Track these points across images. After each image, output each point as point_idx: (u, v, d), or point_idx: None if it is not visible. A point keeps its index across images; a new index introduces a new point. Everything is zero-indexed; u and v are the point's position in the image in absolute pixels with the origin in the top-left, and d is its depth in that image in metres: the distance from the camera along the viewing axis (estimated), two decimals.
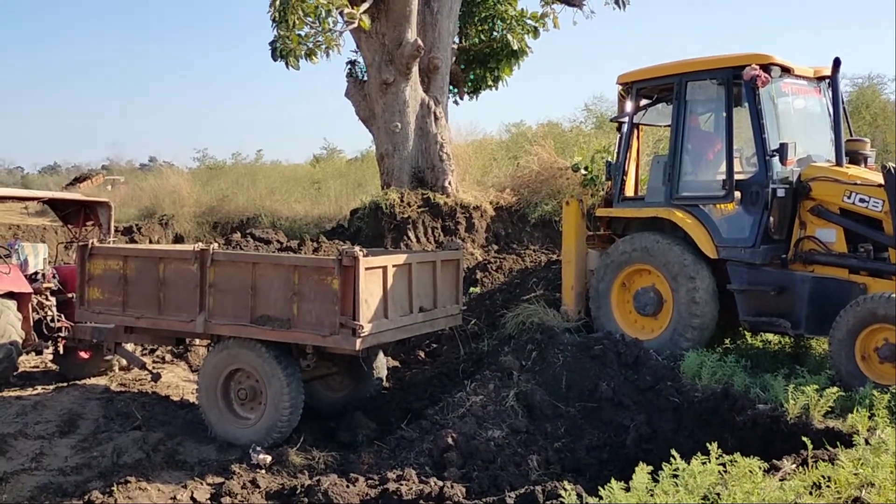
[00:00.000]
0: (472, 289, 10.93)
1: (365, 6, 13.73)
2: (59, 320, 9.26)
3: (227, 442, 7.16)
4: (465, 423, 6.63)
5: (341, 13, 13.29)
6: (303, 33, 13.20)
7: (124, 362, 9.65)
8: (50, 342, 9.33)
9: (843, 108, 8.23)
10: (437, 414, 7.01)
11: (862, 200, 7.38)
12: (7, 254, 9.50)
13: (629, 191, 9.03)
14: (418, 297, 7.60)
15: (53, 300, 9.39)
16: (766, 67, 7.64)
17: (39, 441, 7.12)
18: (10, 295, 8.74)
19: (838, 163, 7.84)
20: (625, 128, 9.06)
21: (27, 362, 10.12)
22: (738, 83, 7.82)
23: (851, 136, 8.70)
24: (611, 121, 12.06)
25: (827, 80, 8.30)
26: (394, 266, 7.24)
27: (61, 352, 9.43)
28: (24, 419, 7.58)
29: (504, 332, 9.14)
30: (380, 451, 6.68)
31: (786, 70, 7.94)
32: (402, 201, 14.04)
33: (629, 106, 8.89)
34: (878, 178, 7.36)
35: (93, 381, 9.48)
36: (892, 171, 7.14)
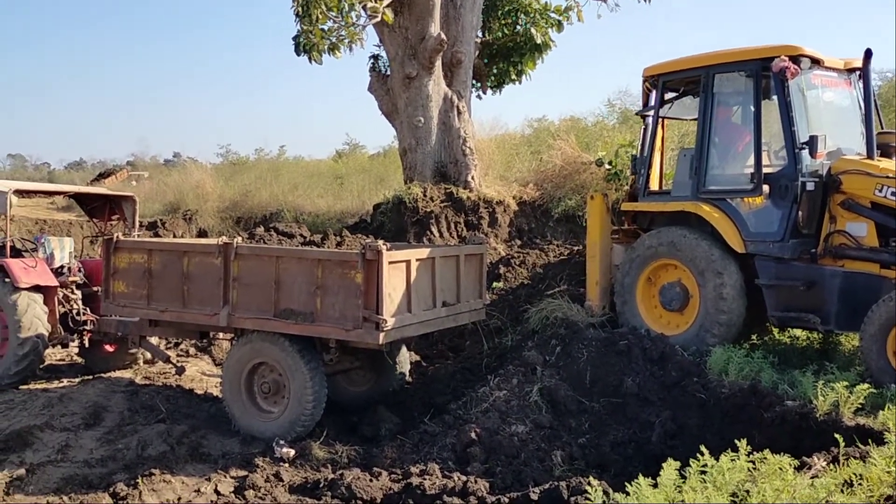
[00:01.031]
0: (495, 283, 10.88)
1: (388, 0, 13.70)
2: (84, 314, 9.33)
3: (250, 435, 7.18)
4: (488, 417, 6.59)
5: (364, 7, 13.26)
6: (326, 28, 13.21)
7: (149, 355, 9.72)
8: (76, 335, 9.40)
9: (874, 100, 8.07)
10: (460, 409, 6.98)
11: (894, 194, 7.24)
12: (34, 248, 9.59)
13: (654, 185, 8.94)
14: (441, 291, 7.57)
15: (79, 294, 9.46)
16: (795, 59, 7.51)
17: (65, 433, 7.18)
18: (36, 288, 8.82)
19: (869, 156, 7.69)
20: (650, 121, 8.97)
21: (53, 355, 10.21)
22: (767, 75, 7.69)
23: (882, 128, 8.54)
24: (636, 114, 11.93)
25: (858, 72, 8.15)
26: (417, 260, 7.22)
27: (87, 345, 9.51)
28: (51, 411, 7.65)
29: (528, 327, 9.09)
30: (403, 446, 6.66)
31: (815, 62, 7.80)
32: (424, 196, 14.00)
33: (654, 99, 8.79)
34: None
35: (118, 374, 9.55)
36: None
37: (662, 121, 9.04)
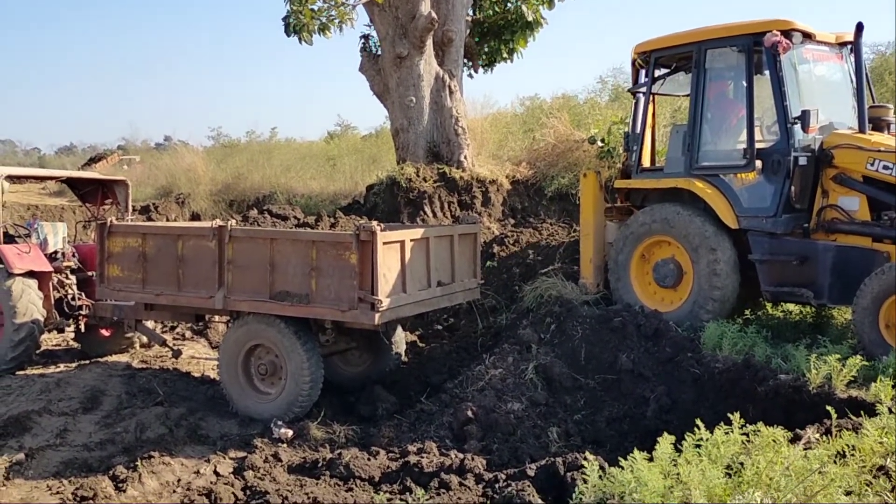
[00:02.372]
0: (489, 262, 10.90)
1: None
2: (79, 298, 9.33)
3: (248, 417, 7.22)
4: (484, 396, 6.64)
5: None
6: (316, 7, 13.13)
7: (145, 339, 9.73)
8: (71, 320, 9.41)
9: (866, 75, 8.09)
10: (456, 387, 7.02)
11: (886, 168, 7.27)
12: (27, 233, 9.56)
13: (646, 161, 8.95)
14: (436, 271, 7.59)
15: (74, 278, 9.45)
16: (787, 34, 7.50)
17: (63, 417, 7.19)
18: (30, 274, 8.80)
19: (861, 130, 7.71)
20: (641, 98, 8.96)
21: (49, 340, 10.22)
22: (759, 50, 7.69)
23: (874, 102, 8.56)
24: (628, 91, 11.92)
25: (849, 46, 8.16)
26: (411, 240, 7.23)
27: (83, 329, 9.51)
28: (48, 396, 7.66)
29: (522, 306, 9.12)
30: (400, 425, 6.71)
31: (807, 36, 7.79)
32: (417, 176, 13.98)
33: (644, 76, 8.78)
34: None
35: (114, 358, 9.57)
36: None
37: (653, 97, 9.03)
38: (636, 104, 9.12)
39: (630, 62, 9.08)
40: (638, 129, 8.93)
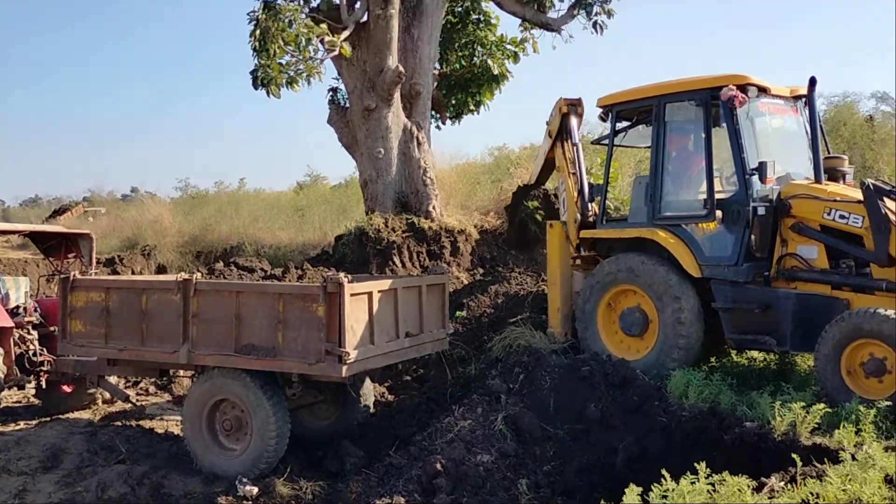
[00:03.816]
0: (458, 313, 10.92)
1: (346, 34, 13.83)
2: (41, 354, 9.16)
3: (212, 474, 7.08)
4: (453, 448, 6.58)
5: (322, 41, 13.38)
6: (284, 62, 13.28)
7: (108, 395, 9.55)
8: (32, 376, 9.22)
9: (820, 126, 8.32)
10: (425, 440, 6.96)
11: (842, 217, 7.44)
12: None
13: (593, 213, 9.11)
14: (404, 322, 7.58)
15: (35, 334, 9.29)
16: (742, 88, 7.73)
17: (23, 477, 7.01)
18: None
19: (817, 180, 7.91)
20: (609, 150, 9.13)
21: (9, 397, 9.99)
22: (716, 104, 7.90)
23: (829, 153, 8.80)
24: (592, 143, 12.14)
25: (803, 99, 8.41)
26: (379, 291, 7.23)
27: (44, 386, 9.33)
28: (7, 455, 7.47)
29: (491, 356, 9.13)
30: (368, 479, 6.62)
31: (762, 90, 8.04)
32: (386, 226, 14.04)
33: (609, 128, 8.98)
34: (857, 194, 7.43)
35: (76, 414, 9.38)
36: (871, 187, 7.22)
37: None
38: (608, 156, 9.28)
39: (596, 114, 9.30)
40: (605, 180, 9.10)
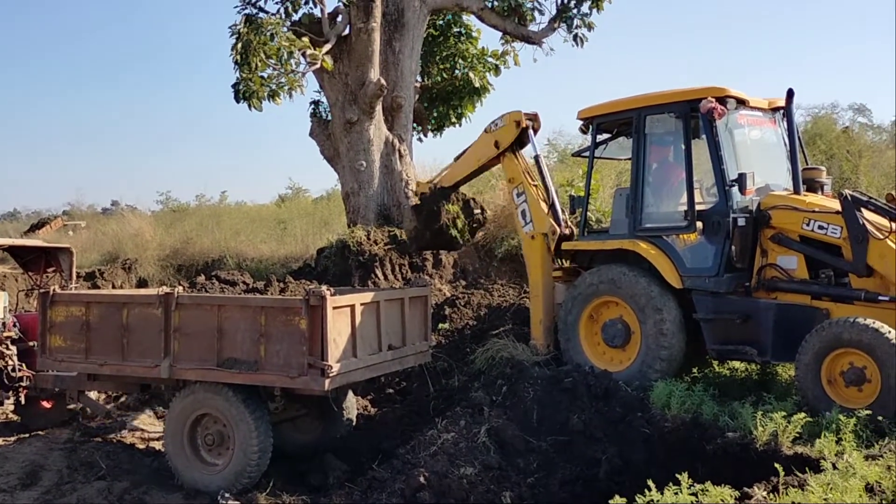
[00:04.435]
0: (440, 325, 10.91)
1: (327, 47, 13.86)
2: (20, 369, 9.05)
3: (195, 489, 7.03)
4: (436, 461, 6.57)
5: (304, 54, 13.39)
6: (265, 75, 13.27)
7: (88, 411, 9.45)
8: (11, 392, 9.11)
9: (799, 138, 8.41)
10: (408, 453, 6.93)
11: (821, 227, 7.52)
12: None
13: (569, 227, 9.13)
14: (387, 335, 7.57)
15: (14, 349, 9.18)
16: (721, 100, 7.80)
17: (1, 495, 6.93)
18: None
19: (796, 191, 8.00)
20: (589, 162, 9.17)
21: None
22: (696, 116, 7.97)
23: (808, 164, 8.90)
24: (573, 155, 12.21)
25: (781, 111, 8.50)
26: (361, 304, 7.22)
27: (23, 402, 9.21)
28: None
29: (474, 368, 9.12)
30: (351, 493, 6.59)
31: (741, 102, 8.12)
32: (368, 239, 14.03)
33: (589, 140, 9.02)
34: (836, 205, 7.51)
35: (56, 430, 9.26)
36: (849, 198, 7.31)
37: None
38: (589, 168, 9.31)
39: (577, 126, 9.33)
40: (586, 192, 9.14)
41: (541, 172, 9.41)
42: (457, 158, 10.13)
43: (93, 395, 8.87)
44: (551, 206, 9.23)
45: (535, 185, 9.38)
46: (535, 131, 9.41)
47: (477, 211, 10.16)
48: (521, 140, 9.41)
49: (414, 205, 10.53)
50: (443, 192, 9.99)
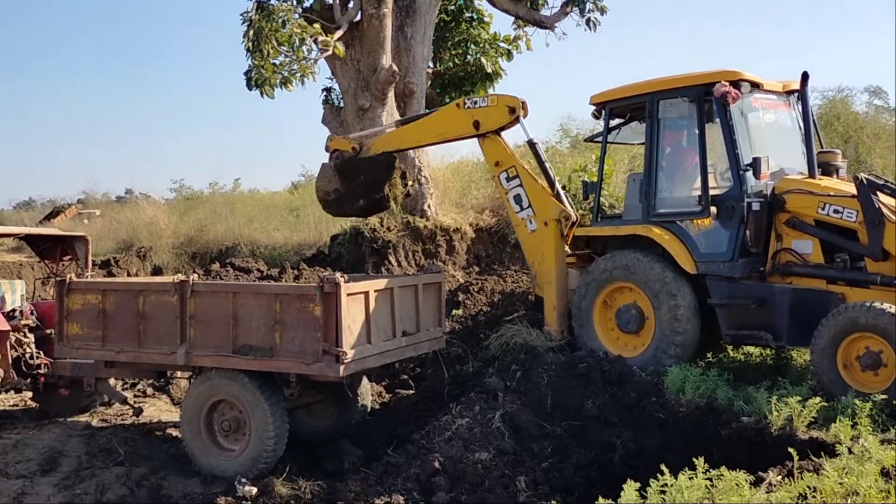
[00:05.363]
0: (454, 311, 10.94)
1: (339, 34, 13.84)
2: (38, 357, 9.14)
3: (211, 475, 7.08)
4: (451, 446, 6.60)
5: (315, 41, 13.38)
6: (277, 62, 13.27)
7: (106, 397, 9.54)
8: (29, 380, 9.20)
9: (814, 121, 8.35)
10: (423, 438, 6.97)
11: (836, 211, 7.48)
12: None
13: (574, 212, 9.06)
14: (401, 321, 7.60)
15: (32, 337, 9.26)
16: (735, 83, 7.75)
17: (21, 480, 7.01)
18: None
19: (811, 175, 7.95)
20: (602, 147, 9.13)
21: (6, 401, 9.98)
22: (709, 100, 7.91)
23: (823, 148, 8.83)
24: (585, 140, 12.17)
25: (796, 94, 8.44)
26: (376, 291, 7.24)
27: (41, 389, 9.31)
28: (5, 458, 7.47)
29: (488, 354, 9.14)
30: (366, 479, 6.63)
31: (755, 85, 8.06)
32: (381, 226, 14.06)
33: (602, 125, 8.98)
34: (851, 188, 7.47)
35: (74, 417, 9.36)
36: (865, 181, 7.26)
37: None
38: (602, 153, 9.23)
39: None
40: (599, 178, 9.12)
41: (538, 157, 9.31)
42: (401, 123, 9.92)
43: (110, 381, 8.95)
44: (555, 192, 9.14)
45: (528, 171, 9.23)
46: (523, 117, 9.16)
47: (411, 182, 10.02)
48: (519, 127, 9.19)
49: (337, 164, 9.69)
50: (387, 156, 9.54)
